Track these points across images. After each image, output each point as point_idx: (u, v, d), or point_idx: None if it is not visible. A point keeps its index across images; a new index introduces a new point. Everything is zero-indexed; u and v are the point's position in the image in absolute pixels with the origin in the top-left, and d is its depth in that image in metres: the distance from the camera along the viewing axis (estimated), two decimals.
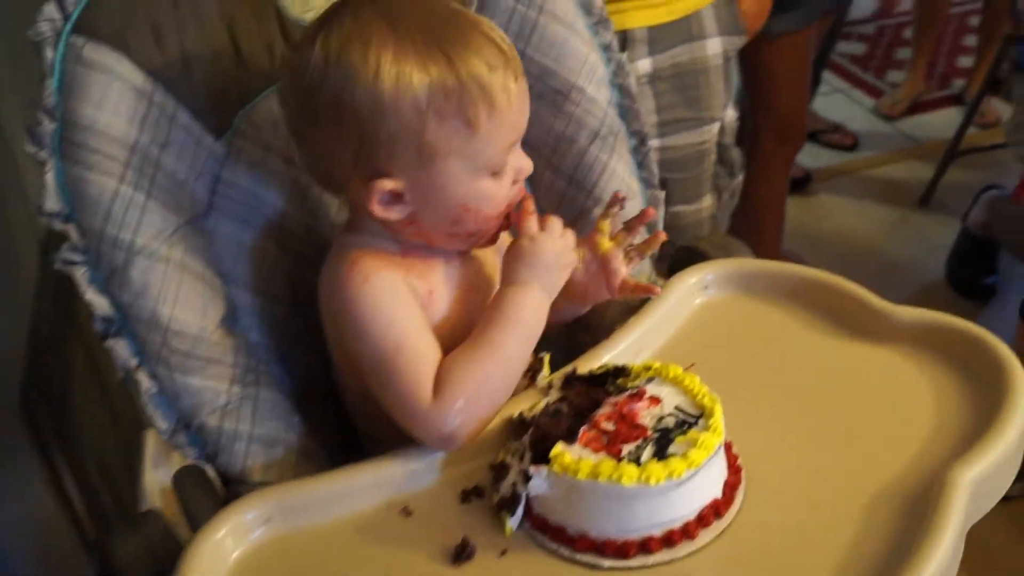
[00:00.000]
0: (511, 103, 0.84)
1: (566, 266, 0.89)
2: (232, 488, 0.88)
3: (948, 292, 2.48)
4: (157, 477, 1.20)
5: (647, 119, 1.44)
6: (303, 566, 0.80)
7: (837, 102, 3.34)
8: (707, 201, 1.66)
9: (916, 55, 3.24)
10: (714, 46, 1.54)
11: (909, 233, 2.75)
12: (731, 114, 1.64)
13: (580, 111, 1.04)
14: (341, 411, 0.98)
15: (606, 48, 1.06)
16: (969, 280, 2.48)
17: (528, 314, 0.86)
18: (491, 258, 0.96)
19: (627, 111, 1.08)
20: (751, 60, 2.05)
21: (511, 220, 0.90)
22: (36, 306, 1.53)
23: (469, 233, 0.89)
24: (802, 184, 2.95)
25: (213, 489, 0.89)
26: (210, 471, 0.90)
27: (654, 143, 1.47)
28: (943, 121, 3.15)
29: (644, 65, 1.48)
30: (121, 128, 0.85)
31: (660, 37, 1.48)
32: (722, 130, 1.62)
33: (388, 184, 0.84)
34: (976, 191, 2.50)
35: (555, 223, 0.89)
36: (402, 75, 0.80)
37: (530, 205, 0.89)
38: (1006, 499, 1.67)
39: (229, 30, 0.93)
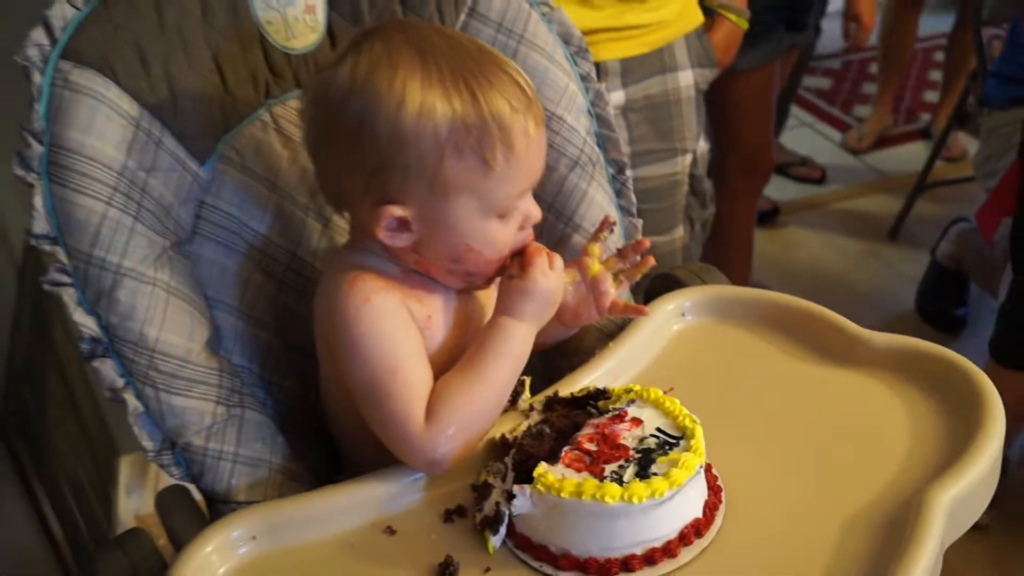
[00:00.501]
0: (529, 148, 0.85)
1: (557, 302, 0.90)
2: (217, 508, 0.89)
3: (918, 323, 2.51)
4: (131, 505, 1.20)
5: None
6: None
7: (805, 136, 3.40)
8: (679, 232, 1.68)
9: (882, 90, 3.30)
10: (686, 78, 1.58)
11: (878, 265, 2.79)
12: (703, 145, 1.67)
13: (560, 140, 1.06)
14: (324, 434, 0.99)
15: (584, 78, 1.09)
16: (939, 311, 2.52)
17: (518, 346, 0.87)
18: (488, 295, 0.96)
19: (605, 140, 1.10)
20: (717, 95, 2.08)
21: (510, 266, 0.90)
22: (12, 334, 1.52)
23: (467, 272, 0.89)
24: (770, 216, 2.99)
25: (197, 509, 0.89)
26: (193, 492, 0.91)
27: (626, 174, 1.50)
28: (910, 155, 3.21)
29: (617, 97, 1.50)
30: (108, 152, 0.86)
31: (633, 69, 1.51)
32: (694, 161, 1.65)
33: (397, 211, 0.84)
34: (944, 224, 2.55)
35: (559, 262, 0.90)
36: (425, 105, 0.81)
37: (540, 245, 0.90)
38: (980, 529, 1.69)
39: (214, 57, 0.94)
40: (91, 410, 1.86)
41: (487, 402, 0.86)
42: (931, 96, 3.55)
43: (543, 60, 1.05)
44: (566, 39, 1.08)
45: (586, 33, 1.39)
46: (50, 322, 1.72)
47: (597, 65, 1.47)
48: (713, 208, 1.81)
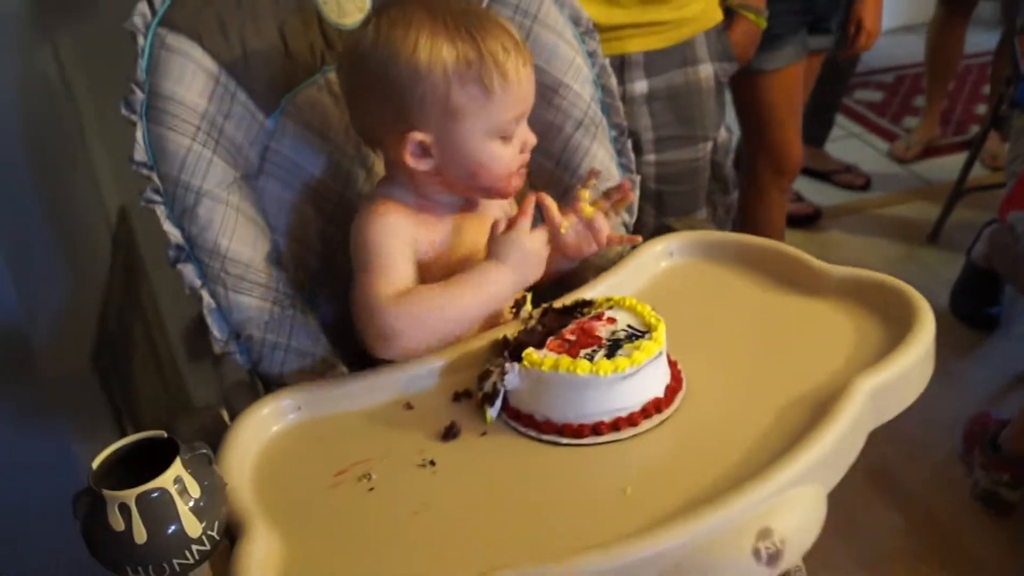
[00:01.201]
0: (520, 80, 1.05)
1: (537, 264, 1.09)
2: (271, 390, 1.08)
3: (952, 321, 2.57)
4: None
5: (644, 135, 1.64)
6: (325, 441, 1.00)
7: (852, 146, 3.49)
8: (702, 214, 1.84)
9: (929, 102, 3.39)
10: (706, 70, 1.74)
11: (915, 268, 2.85)
12: (724, 134, 1.83)
13: (567, 104, 1.25)
14: (358, 342, 1.18)
15: (591, 54, 1.27)
16: (973, 310, 2.57)
17: (492, 285, 1.07)
18: (484, 234, 1.14)
19: (608, 107, 1.28)
20: (743, 95, 2.25)
21: (498, 225, 1.09)
22: (107, 290, 1.75)
23: (484, 188, 1.10)
24: (812, 220, 3.10)
25: (255, 394, 1.09)
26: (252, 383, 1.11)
27: (651, 158, 1.67)
28: (955, 164, 3.23)
29: (641, 86, 1.68)
30: (194, 99, 1.07)
31: (656, 61, 1.68)
32: (715, 148, 1.80)
33: (418, 136, 1.05)
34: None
35: (542, 232, 1.10)
36: (435, 46, 1.02)
37: (530, 208, 1.09)
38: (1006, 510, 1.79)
39: (280, 30, 1.15)
40: (170, 366, 2.09)
41: (447, 315, 1.05)
42: (982, 109, 3.62)
43: (553, 37, 1.24)
44: (575, 21, 1.27)
45: (612, 28, 1.58)
46: (138, 284, 1.95)
47: (622, 57, 1.65)
48: (736, 194, 1.95)
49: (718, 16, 1.77)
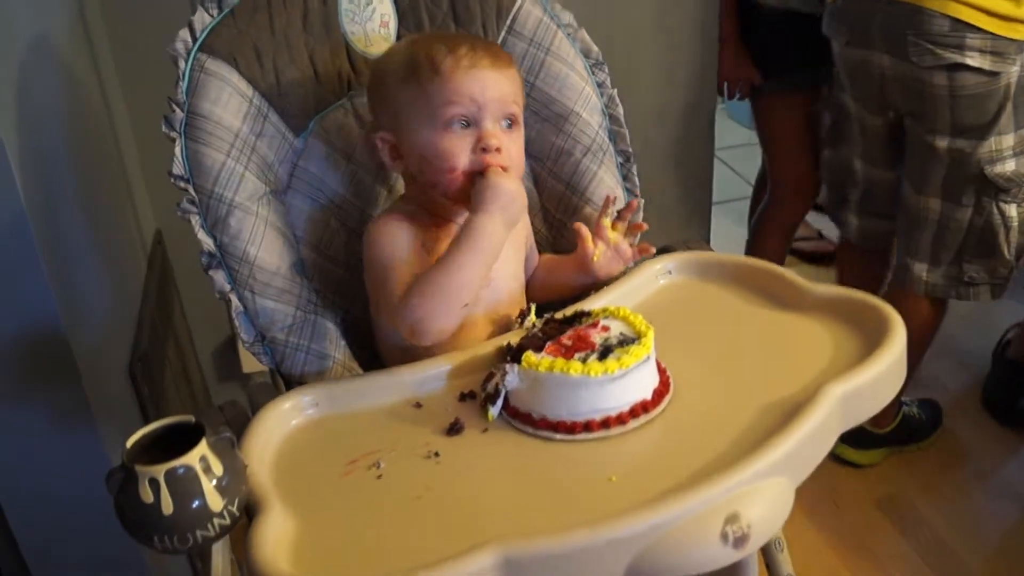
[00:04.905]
0: (458, 72, 1.12)
1: (520, 201, 1.13)
2: (292, 388, 1.17)
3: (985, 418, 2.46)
4: None
5: None
6: (339, 435, 1.09)
7: None
8: None
9: None
10: None
11: None
12: None
13: (576, 131, 1.34)
14: (374, 346, 1.27)
15: (600, 85, 1.36)
16: (1008, 406, 2.44)
17: (488, 238, 1.10)
18: None
19: (615, 135, 1.37)
20: (765, 119, 2.37)
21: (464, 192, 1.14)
22: (142, 308, 1.85)
23: (432, 183, 1.16)
24: (832, 258, 3.16)
25: (276, 391, 1.18)
26: (275, 385, 1.20)
27: None
28: None
29: None
30: (229, 119, 1.17)
31: None
32: None
33: (385, 135, 1.18)
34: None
35: (513, 174, 1.14)
36: (396, 57, 1.17)
37: (497, 161, 1.13)
38: None
39: (310, 57, 1.25)
40: (199, 384, 2.19)
41: (454, 282, 1.09)
42: None
43: (564, 68, 1.33)
44: (586, 53, 1.36)
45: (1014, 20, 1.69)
46: (171, 305, 2.06)
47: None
48: None
49: None
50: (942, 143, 1.84)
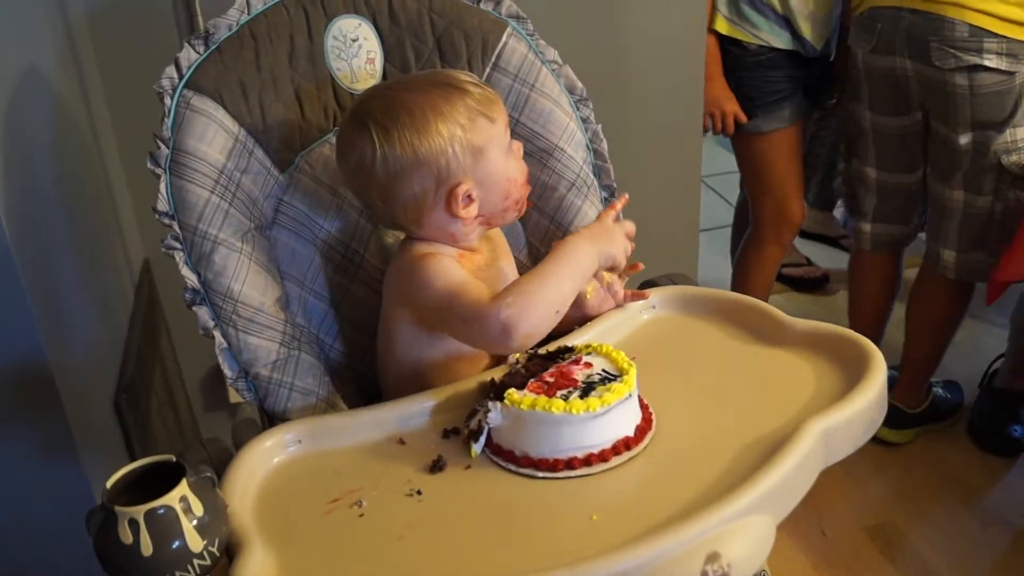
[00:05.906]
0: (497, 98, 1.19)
1: (617, 239, 1.20)
2: (276, 425, 1.17)
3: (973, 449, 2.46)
4: None
5: None
6: (322, 472, 1.08)
7: None
8: None
9: None
10: None
11: None
12: None
13: (560, 166, 1.34)
14: (361, 386, 1.27)
15: (585, 120, 1.37)
16: (996, 436, 2.45)
17: (582, 258, 1.15)
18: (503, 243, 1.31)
19: (600, 169, 1.38)
20: (745, 154, 2.44)
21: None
22: (128, 339, 1.85)
23: (516, 201, 1.21)
24: (820, 284, 3.21)
25: (260, 429, 1.18)
26: (261, 421, 1.20)
27: None
28: None
29: None
30: (214, 156, 1.17)
31: None
32: None
33: (464, 187, 1.16)
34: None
35: (627, 225, 1.23)
36: (443, 113, 1.14)
37: (619, 204, 1.25)
38: None
39: (296, 93, 1.26)
40: (187, 414, 2.19)
41: (547, 294, 1.10)
42: None
43: (549, 104, 1.34)
44: (571, 89, 1.37)
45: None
46: (158, 336, 2.06)
47: None
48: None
49: None
50: (964, 138, 2.04)
